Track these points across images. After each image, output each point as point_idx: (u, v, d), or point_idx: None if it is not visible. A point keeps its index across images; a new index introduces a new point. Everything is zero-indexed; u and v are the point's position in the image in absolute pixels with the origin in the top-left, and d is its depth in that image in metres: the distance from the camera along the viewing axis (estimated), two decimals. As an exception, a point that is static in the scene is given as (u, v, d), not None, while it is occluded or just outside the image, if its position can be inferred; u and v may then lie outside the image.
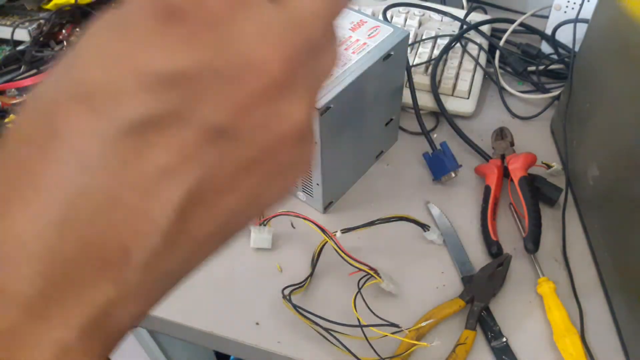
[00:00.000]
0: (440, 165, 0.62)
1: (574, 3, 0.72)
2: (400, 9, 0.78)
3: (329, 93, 0.50)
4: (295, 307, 0.50)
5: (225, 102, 0.16)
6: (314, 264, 0.55)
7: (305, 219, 0.53)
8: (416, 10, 0.78)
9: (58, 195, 0.16)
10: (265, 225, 0.58)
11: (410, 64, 0.72)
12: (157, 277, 0.17)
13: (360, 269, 0.51)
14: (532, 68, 0.75)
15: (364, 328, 0.48)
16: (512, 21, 0.76)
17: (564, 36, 0.74)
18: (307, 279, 0.54)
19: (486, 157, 0.65)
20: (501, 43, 0.75)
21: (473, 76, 0.72)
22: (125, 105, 0.16)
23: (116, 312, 0.17)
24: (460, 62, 0.73)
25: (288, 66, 0.17)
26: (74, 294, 0.16)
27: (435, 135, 0.69)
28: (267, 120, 0.17)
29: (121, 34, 0.16)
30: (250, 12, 0.17)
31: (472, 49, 0.75)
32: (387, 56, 0.54)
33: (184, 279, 0.19)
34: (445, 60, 0.73)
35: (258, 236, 0.57)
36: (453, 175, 0.62)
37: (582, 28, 0.67)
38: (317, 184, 0.57)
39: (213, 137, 0.17)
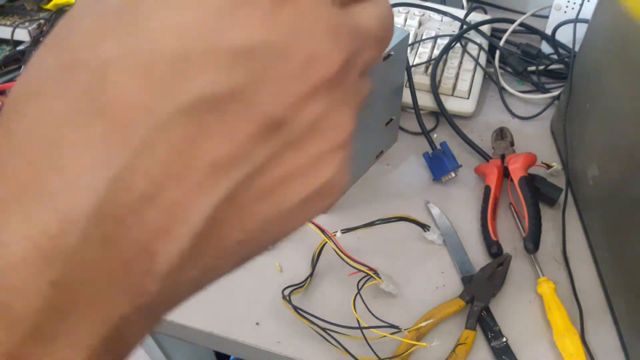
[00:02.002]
0: (440, 165, 0.62)
1: (574, 3, 0.72)
2: (400, 9, 0.78)
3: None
4: (295, 308, 0.50)
5: (286, 90, 0.15)
6: (313, 264, 0.55)
7: (305, 219, 0.53)
8: (416, 10, 0.78)
9: (88, 183, 0.13)
10: (265, 225, 0.58)
11: (410, 64, 0.72)
12: (174, 289, 0.16)
13: (359, 270, 0.51)
14: (532, 68, 0.75)
15: (363, 329, 0.48)
16: (512, 21, 0.76)
17: (564, 36, 0.74)
18: (307, 279, 0.54)
19: (486, 157, 0.65)
20: (501, 43, 0.75)
21: (473, 76, 0.72)
22: (191, 79, 0.14)
23: (128, 330, 0.15)
24: (460, 62, 0.73)
25: (346, 68, 0.17)
26: (87, 308, 0.14)
27: (435, 135, 0.69)
28: (321, 121, 0.16)
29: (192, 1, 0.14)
30: (319, 11, 0.16)
31: (472, 49, 0.75)
32: (387, 56, 0.54)
33: (196, 292, 0.18)
34: (445, 60, 0.73)
35: (258, 236, 0.57)
36: (453, 175, 0.62)
37: (582, 28, 0.67)
38: (317, 184, 0.57)
39: (268, 131, 0.15)
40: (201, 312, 0.53)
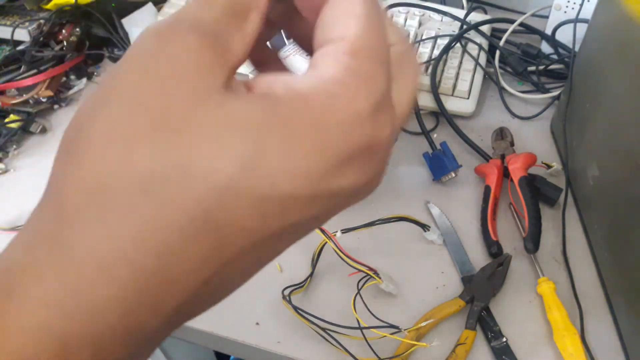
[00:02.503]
0: (440, 165, 0.62)
1: (574, 3, 0.72)
2: (400, 9, 0.78)
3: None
4: (295, 308, 0.50)
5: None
6: (313, 264, 0.55)
7: (305, 219, 0.53)
8: (416, 10, 0.78)
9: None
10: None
11: (410, 64, 0.72)
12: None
13: (359, 270, 0.51)
14: (532, 68, 0.75)
15: (363, 329, 0.48)
16: (512, 21, 0.76)
17: (564, 36, 0.74)
18: (307, 279, 0.54)
19: (486, 157, 0.65)
20: (501, 43, 0.75)
21: (473, 76, 0.72)
22: (293, 215, 0.18)
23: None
24: (460, 62, 0.73)
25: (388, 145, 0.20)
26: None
27: (435, 135, 0.69)
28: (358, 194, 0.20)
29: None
30: (385, 158, 0.20)
31: (472, 49, 0.75)
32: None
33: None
34: (445, 60, 0.73)
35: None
36: (453, 175, 0.62)
37: (582, 28, 0.67)
38: (317, 184, 0.57)
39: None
40: (201, 312, 0.53)
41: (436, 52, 0.73)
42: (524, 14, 0.77)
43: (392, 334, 0.48)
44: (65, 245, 0.16)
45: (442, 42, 0.74)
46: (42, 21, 0.78)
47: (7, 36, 0.77)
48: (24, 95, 0.72)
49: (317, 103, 0.18)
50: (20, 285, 0.15)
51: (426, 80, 0.70)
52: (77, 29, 0.80)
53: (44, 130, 0.72)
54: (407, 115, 0.22)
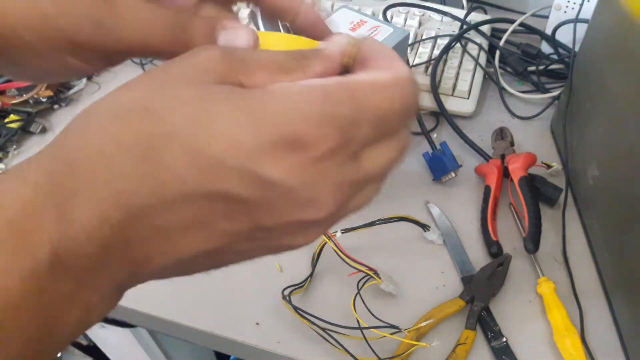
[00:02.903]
0: (440, 165, 0.62)
1: (574, 3, 0.72)
2: (400, 9, 0.78)
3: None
4: (295, 308, 0.50)
5: (279, 215, 0.21)
6: (313, 264, 0.55)
7: (305, 219, 0.53)
8: (416, 10, 0.78)
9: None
10: (265, 225, 0.58)
11: (410, 64, 0.72)
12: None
13: (359, 270, 0.51)
14: (532, 68, 0.75)
15: (363, 329, 0.48)
16: (512, 21, 0.76)
17: (564, 36, 0.74)
18: (307, 279, 0.54)
19: (486, 157, 0.65)
20: (501, 43, 0.75)
21: (473, 76, 0.72)
22: (223, 179, 0.20)
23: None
24: (460, 62, 0.73)
25: (334, 214, 0.23)
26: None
27: (435, 135, 0.69)
28: (296, 239, 0.24)
29: (249, 122, 0.20)
30: (333, 172, 0.21)
31: (472, 49, 0.75)
32: (387, 56, 0.54)
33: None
34: (445, 60, 0.73)
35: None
36: (453, 175, 0.62)
37: (582, 28, 0.67)
38: (317, 184, 0.57)
39: (254, 232, 0.22)
40: (201, 312, 0.53)
41: (436, 52, 0.73)
42: (524, 14, 0.77)
43: (392, 334, 0.48)
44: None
45: (442, 42, 0.74)
46: (42, 21, 0.78)
47: (7, 36, 0.77)
48: (24, 95, 0.72)
49: (281, 94, 0.21)
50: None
51: (426, 80, 0.70)
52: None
53: (44, 130, 0.72)
54: (378, 178, 0.24)
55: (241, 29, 0.26)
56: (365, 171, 0.23)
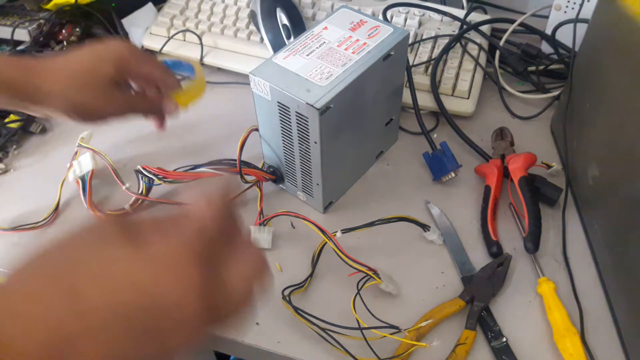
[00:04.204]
0: (440, 165, 0.62)
1: (574, 3, 0.72)
2: (400, 9, 0.78)
3: (329, 93, 0.50)
4: (295, 308, 0.50)
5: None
6: (313, 264, 0.55)
7: (304, 219, 0.53)
8: (416, 10, 0.78)
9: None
10: (265, 225, 0.58)
11: (410, 64, 0.72)
12: None
13: (359, 270, 0.51)
14: (532, 68, 0.75)
15: (363, 329, 0.48)
16: (512, 21, 0.76)
17: (564, 36, 0.74)
18: (307, 279, 0.54)
19: (486, 157, 0.65)
20: (501, 43, 0.75)
21: (473, 76, 0.72)
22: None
23: None
24: (460, 62, 0.73)
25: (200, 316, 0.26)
26: None
27: (435, 135, 0.69)
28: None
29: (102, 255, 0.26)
30: (196, 281, 0.26)
31: (472, 49, 0.75)
32: (387, 56, 0.54)
33: None
34: (445, 60, 0.73)
35: (258, 236, 0.57)
36: (453, 175, 0.62)
37: (582, 28, 0.67)
38: (317, 184, 0.57)
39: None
40: (201, 312, 0.53)
41: (436, 52, 0.73)
42: (524, 14, 0.77)
43: (392, 334, 0.48)
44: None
45: (442, 42, 0.74)
46: (42, 21, 0.78)
47: (7, 36, 0.77)
48: (24, 95, 0.72)
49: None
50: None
51: (426, 80, 0.71)
52: (77, 29, 0.80)
53: (44, 130, 0.72)
54: (242, 297, 0.28)
55: None
56: (228, 280, 0.28)
